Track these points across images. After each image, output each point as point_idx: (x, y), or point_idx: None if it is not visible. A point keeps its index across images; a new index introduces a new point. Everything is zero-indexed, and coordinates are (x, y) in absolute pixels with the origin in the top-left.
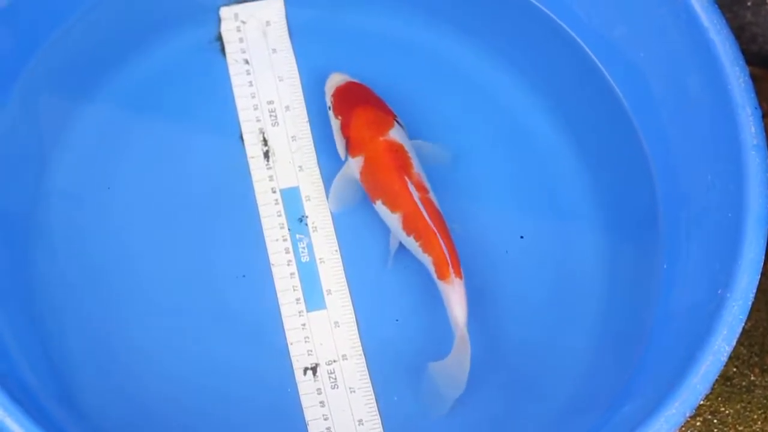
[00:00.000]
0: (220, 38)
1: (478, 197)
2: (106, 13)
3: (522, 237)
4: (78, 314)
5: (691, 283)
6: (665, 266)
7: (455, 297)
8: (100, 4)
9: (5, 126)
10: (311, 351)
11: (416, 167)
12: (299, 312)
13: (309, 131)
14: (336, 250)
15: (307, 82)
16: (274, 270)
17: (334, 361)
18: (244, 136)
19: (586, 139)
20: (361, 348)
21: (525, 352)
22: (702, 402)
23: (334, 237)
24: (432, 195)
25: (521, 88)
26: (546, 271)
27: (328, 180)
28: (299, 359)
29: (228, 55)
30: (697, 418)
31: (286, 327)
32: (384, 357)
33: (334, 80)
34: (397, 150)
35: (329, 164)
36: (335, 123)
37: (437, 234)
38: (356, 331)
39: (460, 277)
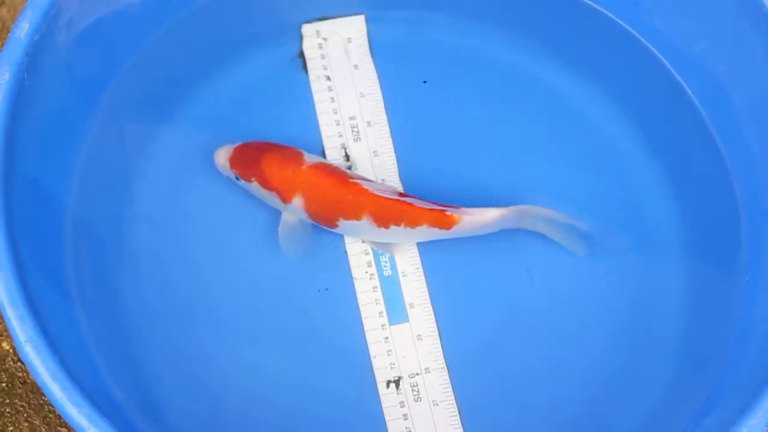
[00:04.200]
0: (302, 55)
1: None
2: (188, 33)
3: (603, 253)
4: (161, 330)
5: None
6: (747, 278)
7: (477, 217)
8: (183, 23)
9: (91, 145)
10: (394, 364)
11: (348, 171)
12: (382, 325)
13: (391, 146)
14: (418, 264)
15: (388, 98)
16: (357, 284)
17: (417, 374)
18: (327, 152)
19: (667, 154)
20: (444, 361)
21: (605, 367)
22: None
23: (416, 251)
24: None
25: (600, 103)
26: (627, 285)
27: (409, 193)
28: (382, 372)
29: (310, 72)
30: None
31: (368, 340)
32: (467, 370)
33: (222, 154)
34: (325, 166)
35: (411, 179)
36: (253, 187)
37: (411, 203)
38: (439, 345)
39: (457, 206)
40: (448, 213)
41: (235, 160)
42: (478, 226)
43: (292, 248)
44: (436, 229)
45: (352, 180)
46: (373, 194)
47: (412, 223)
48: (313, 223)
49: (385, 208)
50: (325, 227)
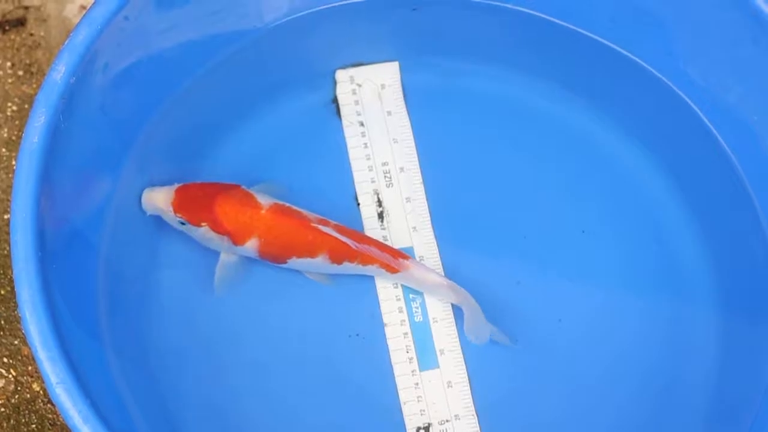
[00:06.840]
0: (335, 101)
1: (593, 263)
2: (223, 77)
3: (633, 301)
4: (190, 373)
5: None
6: None
7: (419, 273)
8: (218, 67)
9: (124, 188)
10: (424, 411)
11: (299, 209)
12: (412, 371)
13: (423, 192)
14: (449, 310)
15: (421, 144)
16: (387, 329)
17: (447, 421)
18: (359, 197)
19: (700, 203)
20: (473, 408)
21: (634, 415)
22: None
23: None
24: (330, 220)
25: (633, 151)
26: (657, 334)
27: (441, 240)
28: (412, 419)
29: (343, 117)
30: None
31: (398, 386)
32: (497, 417)
33: (160, 198)
34: (281, 209)
35: (443, 225)
36: (201, 231)
37: (367, 245)
38: (469, 391)
39: (407, 257)
40: (397, 260)
41: (182, 206)
42: (421, 283)
43: (226, 287)
44: (383, 271)
45: (312, 224)
46: (330, 237)
47: (363, 263)
48: (259, 259)
49: (340, 249)
50: (272, 263)
